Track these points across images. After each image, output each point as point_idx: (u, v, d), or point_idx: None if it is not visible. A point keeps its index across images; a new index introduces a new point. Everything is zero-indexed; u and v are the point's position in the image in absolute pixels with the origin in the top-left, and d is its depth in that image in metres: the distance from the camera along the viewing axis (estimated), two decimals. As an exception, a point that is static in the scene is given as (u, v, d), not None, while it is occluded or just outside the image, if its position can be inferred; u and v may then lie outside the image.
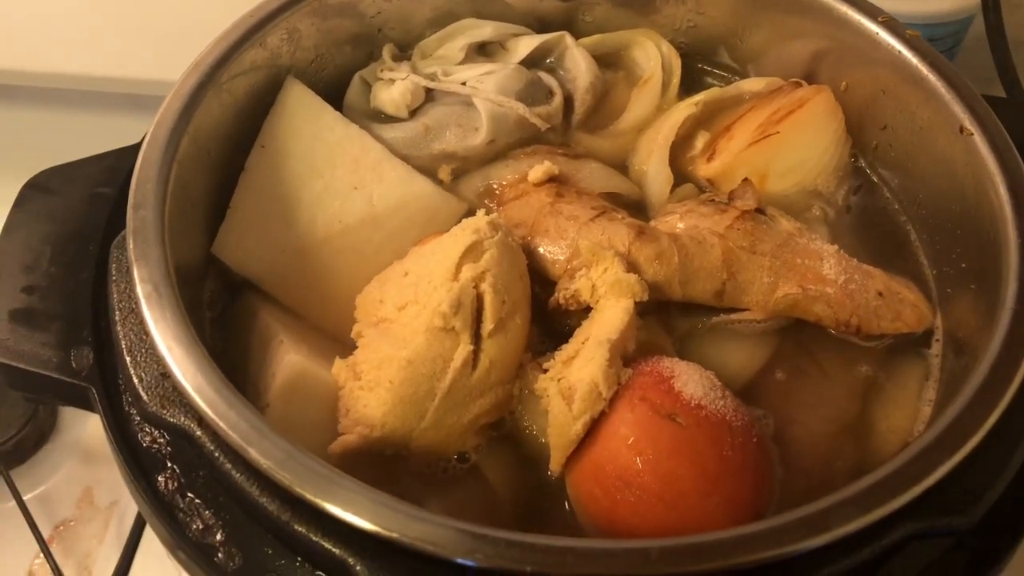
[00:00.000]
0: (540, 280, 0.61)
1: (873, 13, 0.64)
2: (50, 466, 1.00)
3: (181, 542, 0.47)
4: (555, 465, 0.53)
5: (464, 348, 0.53)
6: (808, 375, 0.60)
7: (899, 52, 0.63)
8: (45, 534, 0.90)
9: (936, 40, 0.90)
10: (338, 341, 0.59)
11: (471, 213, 0.67)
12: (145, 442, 0.51)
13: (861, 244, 0.65)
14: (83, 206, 0.60)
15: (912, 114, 0.63)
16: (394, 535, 0.41)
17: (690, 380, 0.53)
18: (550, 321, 0.60)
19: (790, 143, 0.66)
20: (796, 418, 0.58)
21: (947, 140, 0.60)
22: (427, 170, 0.68)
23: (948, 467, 0.44)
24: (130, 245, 0.51)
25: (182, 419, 0.48)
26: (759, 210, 0.61)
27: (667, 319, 0.61)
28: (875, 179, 0.68)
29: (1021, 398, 0.47)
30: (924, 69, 0.61)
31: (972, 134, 0.58)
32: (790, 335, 0.61)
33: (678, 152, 0.70)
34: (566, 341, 0.57)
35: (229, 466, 0.47)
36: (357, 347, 0.56)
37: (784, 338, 0.61)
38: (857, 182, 0.69)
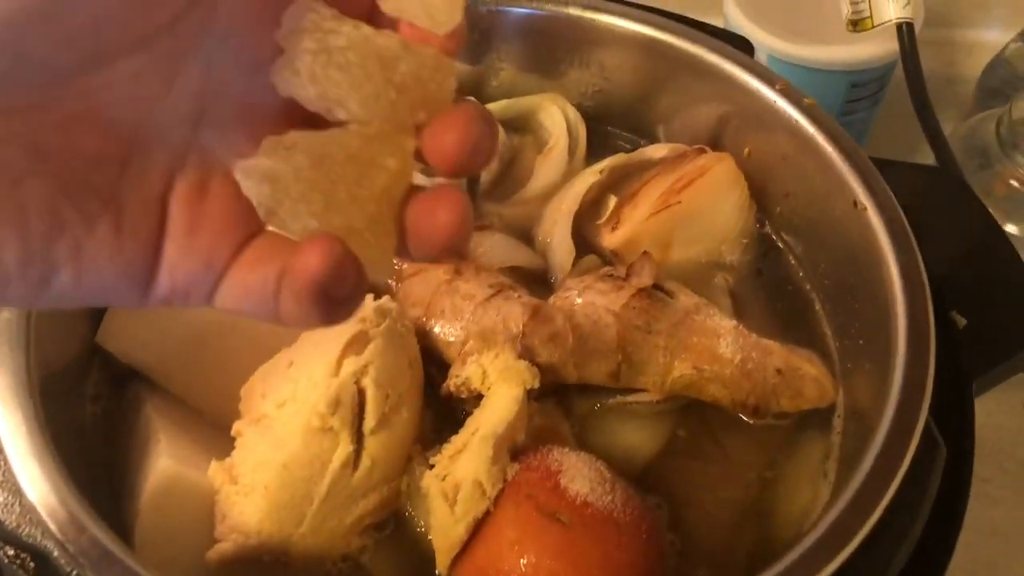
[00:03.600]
0: (436, 362, 0.60)
1: (771, 80, 0.63)
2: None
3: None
4: (441, 567, 0.51)
5: (344, 449, 0.51)
6: (709, 456, 0.58)
7: (796, 120, 0.62)
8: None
9: (862, 85, 0.89)
10: (227, 432, 0.57)
11: (372, 288, 0.65)
12: (5, 560, 0.48)
13: (767, 312, 0.64)
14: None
15: (811, 183, 0.62)
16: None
17: (578, 475, 0.51)
18: (446, 405, 0.59)
19: (692, 212, 0.65)
20: (695, 502, 0.57)
21: (843, 212, 0.59)
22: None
23: (845, 555, 0.43)
24: (-13, 354, 0.49)
25: (39, 539, 0.46)
26: (657, 286, 0.60)
27: (566, 400, 0.59)
28: (780, 245, 0.68)
29: (909, 489, 0.46)
30: (820, 138, 0.60)
31: (866, 208, 0.57)
32: (691, 413, 0.59)
33: (585, 219, 0.68)
34: (462, 424, 0.55)
35: (88, 589, 0.45)
36: (235, 447, 0.54)
37: (685, 417, 0.59)
38: (763, 247, 0.68)
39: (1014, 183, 0.85)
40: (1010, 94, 0.95)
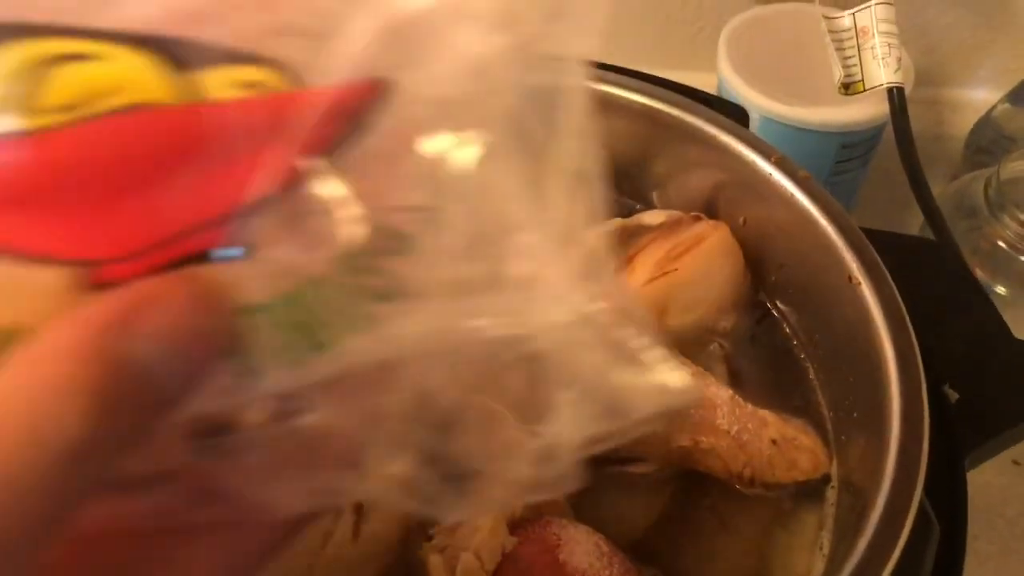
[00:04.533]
0: (435, 428, 0.60)
1: (767, 153, 0.64)
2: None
3: None
4: (438, 642, 0.51)
5: (346, 519, 0.51)
6: (705, 526, 0.59)
7: (791, 194, 0.63)
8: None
9: (852, 146, 0.91)
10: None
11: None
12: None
13: (761, 379, 0.65)
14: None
15: (805, 256, 0.63)
16: None
17: (577, 548, 0.52)
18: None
19: (688, 280, 0.65)
20: (692, 573, 0.57)
21: (837, 286, 0.60)
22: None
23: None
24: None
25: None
26: (655, 355, 0.60)
27: (562, 469, 0.60)
28: (775, 313, 0.69)
29: (903, 570, 0.47)
30: (815, 212, 0.61)
31: (860, 284, 0.58)
32: (688, 483, 0.60)
33: (582, 282, 0.69)
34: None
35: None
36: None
37: (681, 486, 0.60)
38: (758, 314, 0.69)
39: (1001, 244, 0.86)
40: (998, 153, 0.97)
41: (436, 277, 0.25)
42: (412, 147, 0.24)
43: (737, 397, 0.60)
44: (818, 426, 0.61)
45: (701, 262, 0.66)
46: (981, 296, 0.63)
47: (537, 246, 0.25)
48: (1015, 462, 0.89)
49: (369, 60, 0.22)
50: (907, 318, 0.55)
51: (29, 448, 0.20)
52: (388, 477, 0.27)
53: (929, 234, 0.82)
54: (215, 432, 0.26)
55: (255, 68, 0.22)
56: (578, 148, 0.25)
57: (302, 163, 0.23)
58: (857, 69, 0.85)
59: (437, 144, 0.24)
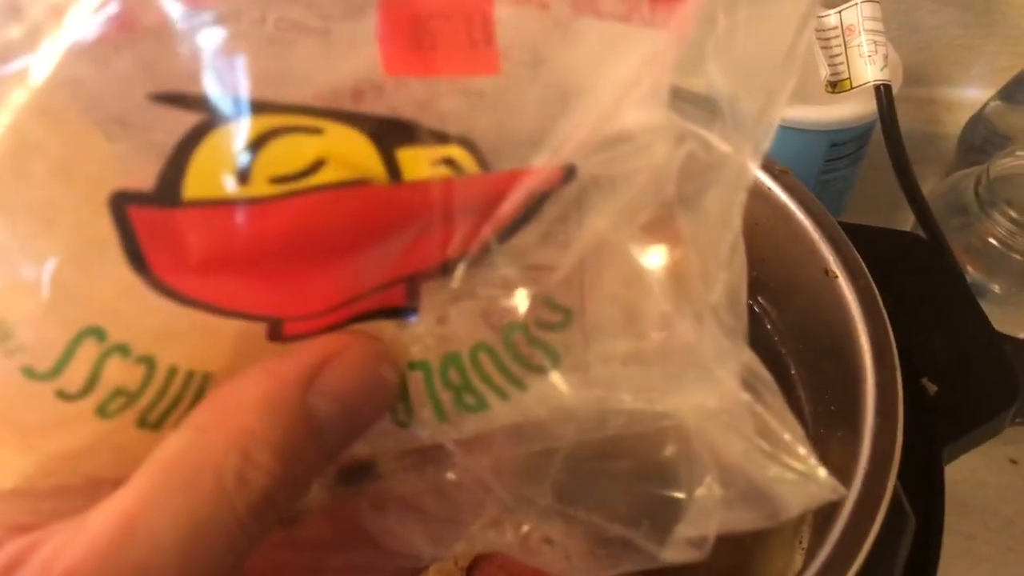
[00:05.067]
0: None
1: (745, 148, 0.64)
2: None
3: None
4: (412, 637, 0.51)
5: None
6: (687, 522, 0.59)
7: (768, 187, 0.63)
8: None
9: (841, 144, 0.91)
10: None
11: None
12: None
13: (743, 375, 0.65)
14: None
15: (784, 250, 0.63)
16: None
17: (550, 543, 0.52)
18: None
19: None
20: (672, 570, 0.57)
21: (815, 280, 0.60)
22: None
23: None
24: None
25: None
26: (633, 351, 0.60)
27: (541, 466, 0.60)
28: (756, 309, 0.68)
29: (876, 561, 0.47)
30: (792, 206, 0.61)
31: (836, 276, 0.58)
32: (668, 478, 0.60)
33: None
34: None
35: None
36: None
37: (661, 482, 0.60)
38: (740, 310, 0.68)
39: (992, 240, 0.86)
40: (990, 152, 0.97)
41: (589, 352, 0.26)
42: (579, 226, 0.25)
43: (716, 392, 0.60)
44: (800, 420, 0.61)
45: (681, 259, 0.66)
46: (964, 290, 0.63)
47: (686, 325, 0.26)
48: (1012, 461, 0.88)
49: (564, 153, 0.23)
50: (883, 310, 0.55)
51: (216, 500, 0.21)
52: (518, 531, 0.28)
53: (921, 232, 0.82)
54: (359, 475, 0.27)
55: (449, 147, 0.23)
56: (727, 234, 0.26)
57: (482, 238, 0.24)
58: (844, 67, 0.85)
59: (599, 224, 0.24)
